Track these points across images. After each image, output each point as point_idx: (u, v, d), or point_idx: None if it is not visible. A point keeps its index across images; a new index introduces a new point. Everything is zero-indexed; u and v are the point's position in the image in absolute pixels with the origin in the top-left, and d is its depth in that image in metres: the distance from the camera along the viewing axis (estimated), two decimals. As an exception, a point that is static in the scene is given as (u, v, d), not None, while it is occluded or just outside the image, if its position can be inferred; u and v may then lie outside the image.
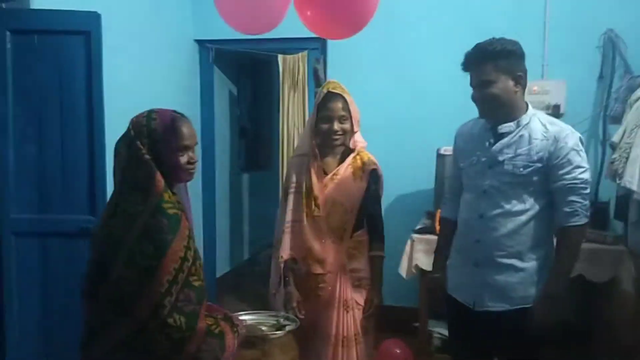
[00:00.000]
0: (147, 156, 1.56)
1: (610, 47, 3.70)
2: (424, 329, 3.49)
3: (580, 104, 3.78)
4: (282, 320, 2.24)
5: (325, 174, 2.54)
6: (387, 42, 4.07)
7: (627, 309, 3.19)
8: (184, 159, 1.64)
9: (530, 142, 2.09)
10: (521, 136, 2.11)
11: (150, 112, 1.65)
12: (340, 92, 2.48)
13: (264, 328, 2.13)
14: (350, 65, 4.12)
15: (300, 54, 4.33)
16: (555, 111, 3.77)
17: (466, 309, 2.24)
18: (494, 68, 2.06)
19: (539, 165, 2.07)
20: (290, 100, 4.36)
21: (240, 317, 1.95)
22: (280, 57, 4.38)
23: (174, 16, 4.20)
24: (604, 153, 3.70)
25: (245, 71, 5.71)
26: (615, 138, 2.96)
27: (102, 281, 1.54)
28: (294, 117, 4.34)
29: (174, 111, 1.70)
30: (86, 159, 2.83)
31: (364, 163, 2.52)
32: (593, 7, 3.76)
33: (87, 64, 2.79)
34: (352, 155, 2.54)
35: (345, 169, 2.52)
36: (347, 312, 2.48)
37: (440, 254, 2.44)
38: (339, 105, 2.45)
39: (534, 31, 3.84)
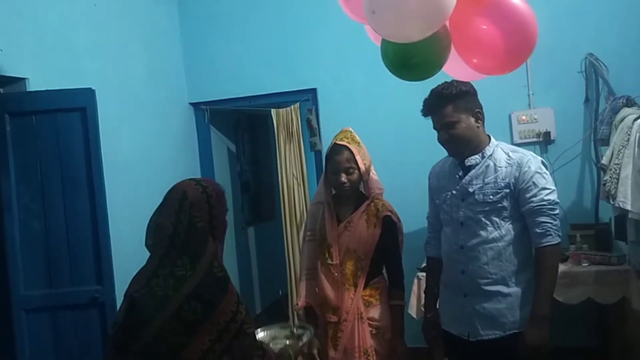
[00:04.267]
0: (201, 223, 1.66)
1: (592, 71, 3.77)
2: (441, 368, 3.47)
3: (570, 129, 3.85)
4: (295, 330, 2.18)
5: (340, 221, 2.56)
6: (374, 86, 4.17)
7: (641, 329, 3.18)
8: (226, 223, 1.79)
9: (496, 171, 2.20)
10: (487, 166, 2.22)
11: (199, 182, 1.76)
12: (346, 143, 2.51)
13: (286, 342, 2.07)
14: (341, 112, 4.22)
15: (292, 107, 4.43)
16: (546, 138, 3.85)
17: (463, 342, 2.27)
18: (454, 109, 2.18)
19: (507, 190, 2.17)
20: (286, 152, 4.44)
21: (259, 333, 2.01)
22: (273, 111, 4.48)
23: (168, 83, 4.34)
24: (598, 175, 3.73)
25: (241, 128, 5.82)
26: (604, 160, 3.00)
27: (136, 338, 1.61)
28: (291, 167, 4.41)
29: (211, 180, 1.86)
30: (90, 231, 2.90)
31: (377, 210, 2.52)
32: (571, 34, 3.86)
33: (84, 138, 2.90)
34: (366, 203, 2.55)
35: (359, 217, 2.52)
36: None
37: (431, 293, 2.48)
38: (344, 156, 2.49)
39: (516, 63, 3.93)
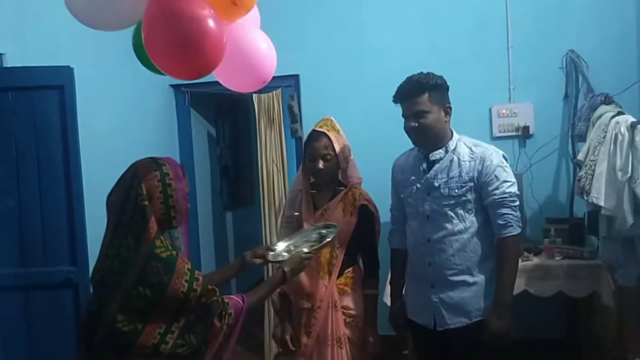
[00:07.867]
0: (145, 202, 1.62)
1: (573, 67, 3.80)
2: (413, 356, 3.50)
3: (548, 124, 3.89)
4: (322, 230, 2.28)
5: (317, 209, 2.56)
6: (356, 73, 4.17)
7: (610, 323, 3.24)
8: (188, 204, 1.75)
9: (460, 165, 2.26)
10: (451, 160, 2.28)
11: (156, 160, 1.72)
12: (325, 130, 2.50)
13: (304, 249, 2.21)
14: (323, 99, 4.21)
15: (274, 92, 4.40)
16: (524, 132, 3.89)
17: (429, 331, 2.34)
18: (428, 99, 2.22)
19: (471, 184, 2.24)
20: (267, 138, 4.41)
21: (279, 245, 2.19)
22: (255, 96, 4.45)
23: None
24: (574, 170, 3.77)
25: (222, 112, 5.76)
26: (580, 156, 3.03)
27: (96, 329, 1.59)
28: (271, 153, 4.39)
29: (173, 159, 1.79)
30: (65, 211, 2.86)
31: (354, 199, 2.52)
32: (553, 30, 3.88)
33: (61, 117, 2.84)
34: (343, 191, 2.55)
35: (335, 205, 2.52)
36: (341, 348, 2.46)
37: (397, 283, 2.55)
38: (322, 143, 2.48)
39: (498, 57, 3.95)
